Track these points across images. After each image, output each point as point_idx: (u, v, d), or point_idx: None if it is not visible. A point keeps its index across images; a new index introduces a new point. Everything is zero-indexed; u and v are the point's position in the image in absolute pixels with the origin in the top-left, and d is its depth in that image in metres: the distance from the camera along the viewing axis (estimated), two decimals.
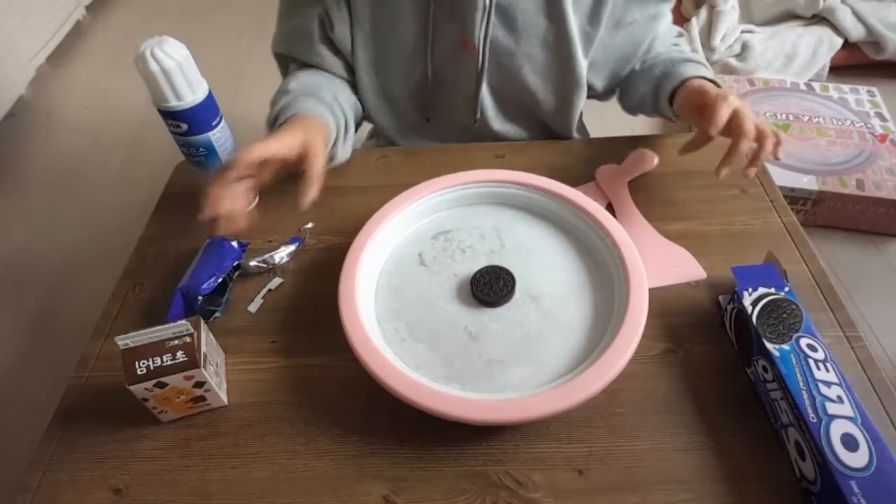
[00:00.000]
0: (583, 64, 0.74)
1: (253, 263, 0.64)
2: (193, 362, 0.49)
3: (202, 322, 0.53)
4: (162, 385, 0.49)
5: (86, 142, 1.90)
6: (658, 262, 0.62)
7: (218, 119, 0.64)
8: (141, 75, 0.58)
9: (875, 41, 1.80)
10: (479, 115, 0.78)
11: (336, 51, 0.74)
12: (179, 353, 0.49)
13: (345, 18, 0.71)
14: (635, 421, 0.51)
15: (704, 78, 0.68)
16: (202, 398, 0.52)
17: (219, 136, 0.65)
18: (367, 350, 0.50)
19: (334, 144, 0.69)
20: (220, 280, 0.61)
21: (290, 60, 0.76)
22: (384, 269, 0.61)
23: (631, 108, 0.82)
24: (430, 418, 0.47)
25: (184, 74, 0.59)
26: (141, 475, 0.50)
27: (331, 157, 0.68)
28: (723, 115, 0.57)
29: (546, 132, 0.84)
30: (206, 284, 0.59)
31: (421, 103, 0.79)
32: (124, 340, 0.49)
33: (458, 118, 0.79)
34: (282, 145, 0.56)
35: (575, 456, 0.49)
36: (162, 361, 0.48)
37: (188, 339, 0.50)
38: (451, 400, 0.47)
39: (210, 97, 0.63)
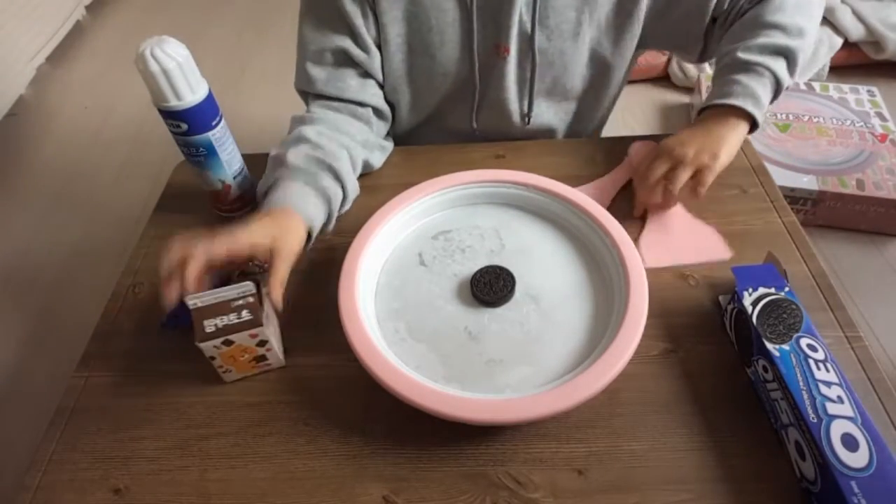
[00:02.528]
0: (610, 53, 0.74)
1: (253, 263, 0.64)
2: (257, 321, 0.51)
3: (260, 285, 0.55)
4: (229, 343, 0.51)
5: (86, 142, 1.90)
6: (684, 239, 0.62)
7: (218, 119, 0.64)
8: (141, 75, 0.58)
9: (875, 41, 1.80)
10: (528, 120, 0.78)
11: (363, 74, 0.71)
12: (244, 312, 0.51)
13: (373, 37, 0.69)
14: (635, 421, 0.51)
15: (733, 106, 0.63)
16: (264, 357, 0.54)
17: (219, 135, 0.65)
18: (367, 350, 0.50)
19: (323, 227, 0.65)
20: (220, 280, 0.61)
21: (310, 96, 0.73)
22: (384, 269, 0.61)
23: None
24: (430, 418, 0.47)
25: (184, 74, 0.59)
26: (141, 475, 0.50)
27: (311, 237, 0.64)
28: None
29: (577, 125, 0.84)
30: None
31: (466, 113, 0.78)
32: (193, 301, 0.52)
33: (499, 120, 0.79)
34: (249, 246, 0.54)
35: (575, 456, 0.49)
36: (229, 320, 0.51)
37: (251, 299, 0.52)
38: (451, 400, 0.47)
39: (210, 97, 0.63)
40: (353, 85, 0.70)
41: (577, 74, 0.76)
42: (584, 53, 0.73)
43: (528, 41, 0.70)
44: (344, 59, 0.70)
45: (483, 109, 0.78)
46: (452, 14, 0.68)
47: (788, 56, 0.65)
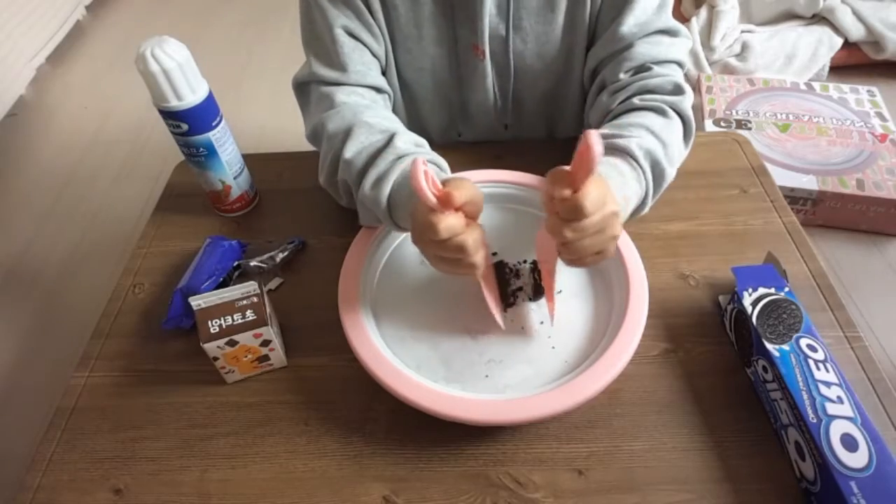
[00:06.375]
0: (583, 59, 0.72)
1: (253, 263, 0.64)
2: (262, 320, 0.51)
3: (261, 285, 0.55)
4: (233, 343, 0.51)
5: (86, 142, 1.90)
6: None
7: (218, 119, 0.64)
8: (141, 75, 0.58)
9: (875, 41, 1.80)
10: (509, 123, 0.77)
11: (373, 55, 0.68)
12: (249, 312, 0.52)
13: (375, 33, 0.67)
14: (635, 421, 0.51)
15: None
16: (266, 357, 0.55)
17: (219, 136, 0.65)
18: (367, 350, 0.50)
19: None
20: (220, 280, 0.61)
21: (315, 84, 0.67)
22: (384, 269, 0.61)
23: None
24: (430, 418, 0.47)
25: (184, 74, 0.59)
26: (141, 475, 0.50)
27: None
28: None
29: (563, 131, 0.82)
30: (205, 284, 0.59)
31: (446, 118, 0.77)
32: (197, 301, 0.52)
33: (484, 127, 0.78)
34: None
35: (575, 456, 0.49)
36: (233, 320, 0.51)
37: (255, 300, 0.53)
38: (452, 400, 0.47)
39: (210, 97, 0.63)
40: (373, 71, 0.68)
41: (548, 80, 0.74)
42: (564, 61, 0.72)
43: (503, 44, 0.69)
44: (351, 44, 0.66)
45: (465, 114, 0.77)
46: (429, 8, 0.68)
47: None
